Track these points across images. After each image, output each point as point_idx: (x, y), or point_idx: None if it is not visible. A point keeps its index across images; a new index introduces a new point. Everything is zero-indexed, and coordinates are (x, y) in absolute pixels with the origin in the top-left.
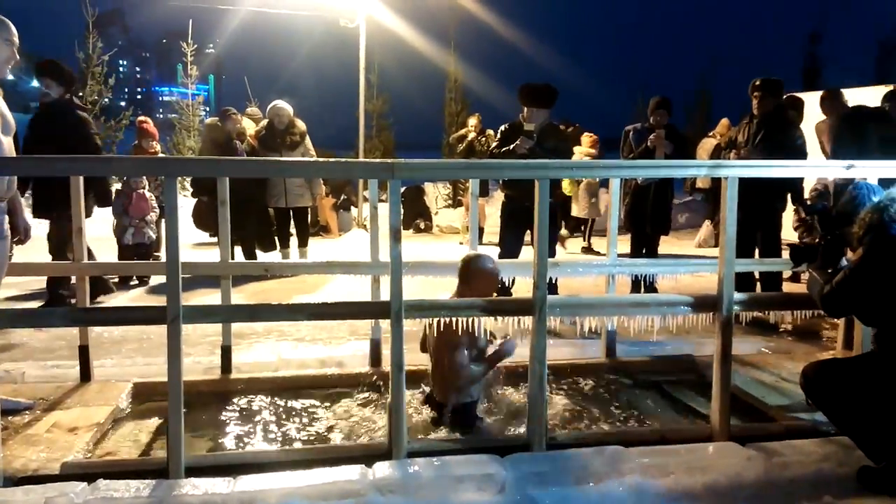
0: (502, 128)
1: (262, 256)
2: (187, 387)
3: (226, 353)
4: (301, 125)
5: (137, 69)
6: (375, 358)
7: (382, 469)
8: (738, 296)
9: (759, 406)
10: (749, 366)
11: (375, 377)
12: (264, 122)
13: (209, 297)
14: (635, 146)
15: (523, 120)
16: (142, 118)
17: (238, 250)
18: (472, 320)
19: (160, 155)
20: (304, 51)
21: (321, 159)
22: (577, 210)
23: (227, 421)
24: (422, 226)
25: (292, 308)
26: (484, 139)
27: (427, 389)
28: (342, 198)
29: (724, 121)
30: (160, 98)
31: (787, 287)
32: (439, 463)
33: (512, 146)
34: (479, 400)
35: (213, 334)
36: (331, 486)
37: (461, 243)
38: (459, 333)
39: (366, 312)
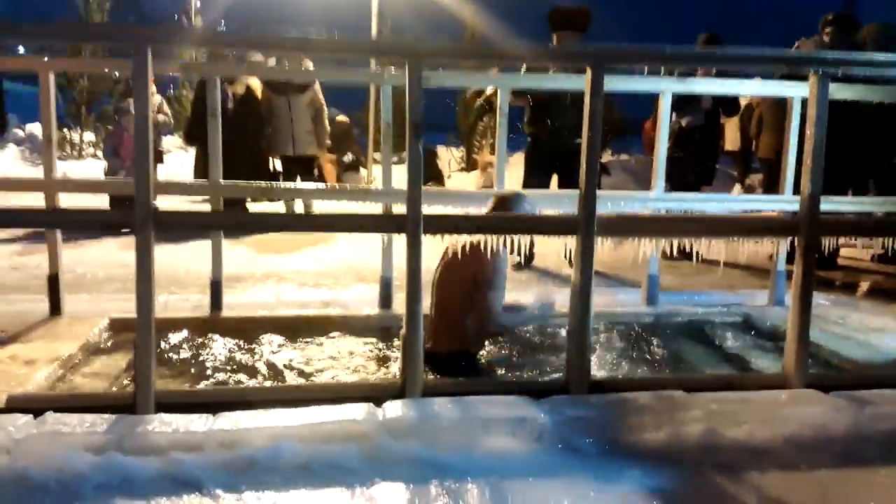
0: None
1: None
2: (171, 325)
3: (215, 288)
4: (311, 67)
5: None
6: (386, 299)
7: (395, 408)
8: (825, 216)
9: (830, 358)
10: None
11: (386, 320)
12: (271, 62)
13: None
14: None
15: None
16: None
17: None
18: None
19: (157, 98)
20: (315, 4)
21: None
22: None
23: (214, 361)
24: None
25: (292, 218)
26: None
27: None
28: (349, 158)
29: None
30: (170, 90)
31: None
32: (462, 404)
33: None
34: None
35: (206, 277)
36: (331, 427)
37: None
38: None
39: (379, 226)
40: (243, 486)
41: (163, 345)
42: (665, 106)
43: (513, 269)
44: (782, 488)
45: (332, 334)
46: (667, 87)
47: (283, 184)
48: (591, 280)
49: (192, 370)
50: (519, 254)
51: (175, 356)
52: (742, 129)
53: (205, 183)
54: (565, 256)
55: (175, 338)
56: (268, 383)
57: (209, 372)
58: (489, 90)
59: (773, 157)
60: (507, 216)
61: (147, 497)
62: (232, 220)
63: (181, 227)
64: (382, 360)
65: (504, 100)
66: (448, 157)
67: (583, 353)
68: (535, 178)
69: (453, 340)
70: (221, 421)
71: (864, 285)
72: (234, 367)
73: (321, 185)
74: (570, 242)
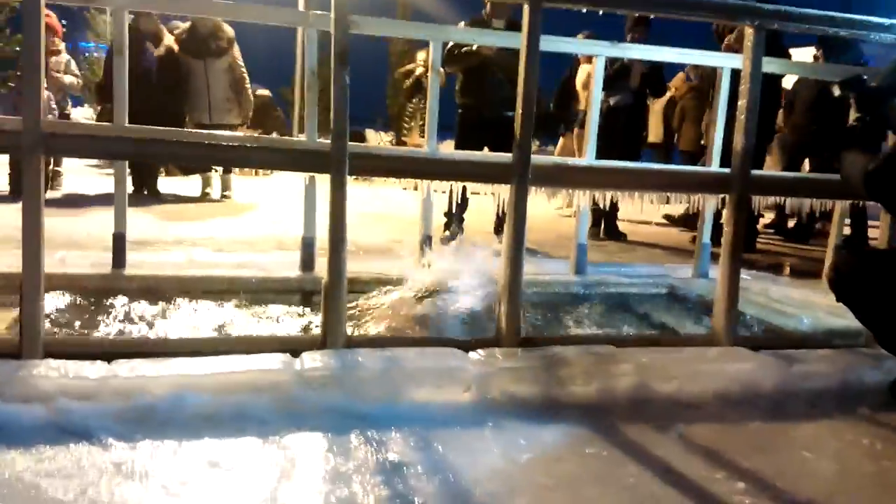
0: (461, 25)
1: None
2: (67, 281)
3: (118, 242)
4: (229, 31)
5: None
6: (308, 261)
7: (313, 359)
8: (756, 173)
9: (756, 326)
10: None
11: (308, 283)
12: (186, 25)
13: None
14: (610, 65)
15: (487, 16)
16: (45, 10)
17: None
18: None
19: (63, 56)
20: None
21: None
22: None
23: (114, 319)
24: None
25: (204, 148)
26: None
27: None
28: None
29: (681, 74)
30: (86, 54)
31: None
32: (388, 355)
33: (475, 45)
34: None
35: (109, 240)
36: (242, 377)
37: (405, 189)
38: None
39: (299, 162)
40: (139, 435)
41: (57, 303)
42: (598, 71)
43: (441, 242)
44: (711, 440)
45: (247, 295)
46: (600, 52)
47: (196, 132)
48: (525, 232)
49: (90, 328)
50: (449, 214)
51: (70, 315)
52: (665, 122)
53: (108, 126)
54: (495, 231)
55: (71, 295)
56: (174, 336)
57: (108, 329)
58: (419, 70)
59: (696, 150)
60: (439, 159)
61: (28, 446)
62: (138, 149)
63: (75, 153)
64: (303, 324)
65: (436, 57)
66: (377, 140)
67: (515, 306)
68: (465, 149)
69: None
70: (117, 368)
71: (787, 266)
72: (137, 324)
73: (237, 135)
74: (504, 192)
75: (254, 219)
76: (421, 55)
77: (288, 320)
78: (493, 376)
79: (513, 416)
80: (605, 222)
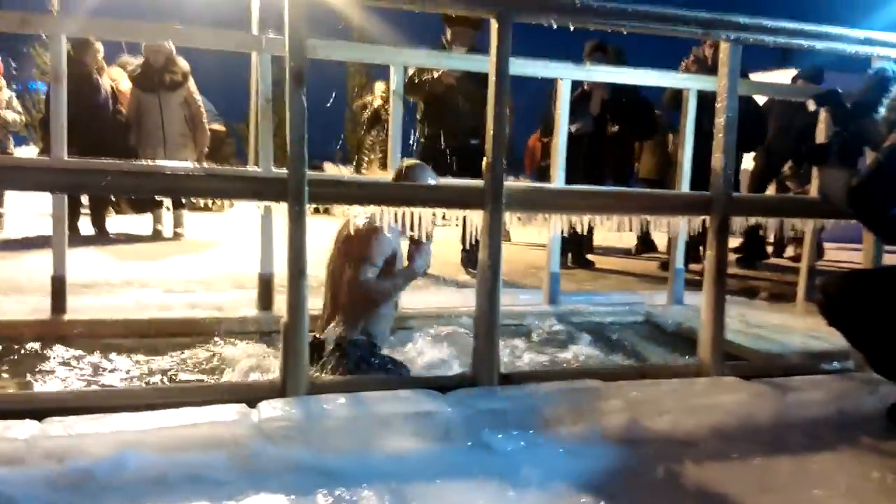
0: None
1: (123, 222)
2: (2, 331)
3: (58, 285)
4: (183, 64)
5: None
6: (266, 299)
7: (272, 408)
8: (737, 195)
9: (740, 352)
10: None
11: (266, 323)
12: (139, 60)
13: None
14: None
15: (447, 43)
16: None
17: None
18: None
19: (5, 91)
20: (192, 9)
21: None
22: None
23: (51, 368)
24: (321, 208)
25: (150, 178)
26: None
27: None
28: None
29: None
30: (34, 93)
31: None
32: (356, 400)
33: (436, 74)
34: (381, 340)
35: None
36: (191, 432)
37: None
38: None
39: (255, 191)
40: None
41: None
42: (564, 93)
43: None
44: (715, 481)
45: (199, 339)
46: (566, 74)
47: (145, 162)
48: (500, 260)
49: (23, 379)
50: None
51: (2, 364)
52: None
53: (45, 160)
54: (462, 263)
55: (4, 344)
56: (116, 387)
57: (44, 381)
58: (377, 102)
59: (654, 178)
60: (405, 185)
61: None
62: (73, 180)
63: (4, 186)
64: (262, 368)
65: (399, 81)
66: (337, 173)
67: (492, 341)
68: None
69: (341, 320)
70: (49, 427)
71: (764, 291)
72: (77, 375)
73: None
74: (477, 218)
75: (208, 257)
76: (379, 86)
77: (245, 364)
78: (472, 420)
79: (498, 465)
80: (573, 251)
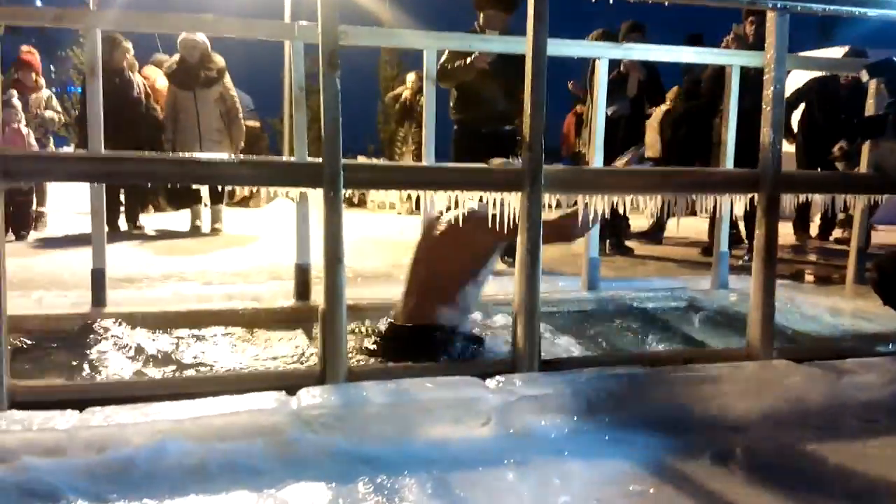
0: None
1: (162, 219)
2: (42, 323)
3: (97, 278)
4: (219, 60)
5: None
6: (303, 290)
7: (311, 396)
8: (785, 171)
9: (790, 335)
10: None
11: (304, 312)
12: (175, 57)
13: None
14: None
15: (480, 28)
16: (26, 47)
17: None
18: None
19: (44, 91)
20: (225, 6)
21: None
22: None
23: (92, 360)
24: (355, 200)
25: (177, 164)
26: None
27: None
28: None
29: (676, 88)
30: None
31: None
32: (395, 387)
33: (469, 59)
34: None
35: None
36: (230, 421)
37: (399, 213)
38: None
39: (291, 176)
40: (113, 494)
41: (30, 344)
42: (602, 73)
43: None
44: (770, 468)
45: (237, 329)
46: (603, 53)
47: (178, 154)
48: (539, 244)
49: (65, 371)
50: None
51: (44, 356)
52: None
53: (82, 151)
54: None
55: (46, 336)
56: (155, 377)
57: (85, 372)
58: (406, 93)
59: (659, 157)
60: (440, 167)
61: None
62: (108, 168)
63: (39, 176)
64: (300, 357)
65: (431, 65)
66: None
67: (533, 327)
68: None
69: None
70: (90, 416)
71: (810, 275)
72: (116, 365)
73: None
74: (514, 200)
75: (246, 251)
76: (410, 77)
77: (283, 353)
78: (514, 406)
79: (541, 452)
80: (611, 238)
